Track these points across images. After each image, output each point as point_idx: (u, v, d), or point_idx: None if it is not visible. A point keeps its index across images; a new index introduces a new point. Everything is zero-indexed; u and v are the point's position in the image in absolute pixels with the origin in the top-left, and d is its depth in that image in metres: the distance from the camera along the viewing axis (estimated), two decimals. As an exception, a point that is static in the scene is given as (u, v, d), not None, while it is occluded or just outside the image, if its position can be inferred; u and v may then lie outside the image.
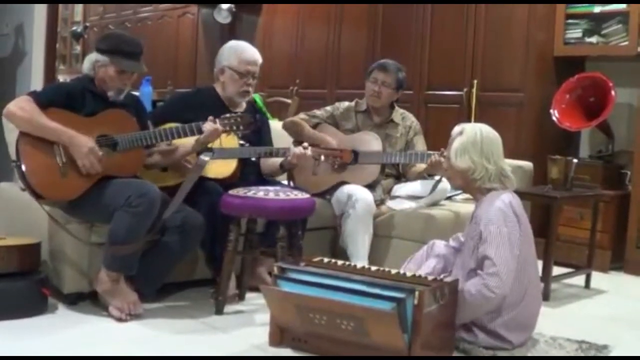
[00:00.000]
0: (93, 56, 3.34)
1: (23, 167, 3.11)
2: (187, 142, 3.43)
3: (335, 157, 3.81)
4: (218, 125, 3.33)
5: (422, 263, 3.19)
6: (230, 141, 3.50)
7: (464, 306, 2.83)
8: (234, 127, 3.38)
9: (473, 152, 2.96)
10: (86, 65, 3.37)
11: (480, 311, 2.86)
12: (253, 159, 3.71)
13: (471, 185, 3.03)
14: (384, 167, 4.13)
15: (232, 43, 3.85)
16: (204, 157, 3.30)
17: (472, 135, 2.99)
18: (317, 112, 4.24)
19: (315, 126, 4.16)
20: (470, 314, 2.87)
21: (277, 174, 3.86)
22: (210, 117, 3.35)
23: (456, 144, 3.00)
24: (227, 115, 3.40)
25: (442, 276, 2.93)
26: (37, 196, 3.14)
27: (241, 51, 3.74)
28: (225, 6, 8.01)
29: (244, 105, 3.81)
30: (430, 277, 2.84)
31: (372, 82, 4.10)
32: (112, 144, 3.23)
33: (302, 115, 4.22)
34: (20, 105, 3.15)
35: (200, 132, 3.33)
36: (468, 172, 2.98)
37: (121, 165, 3.26)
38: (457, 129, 3.08)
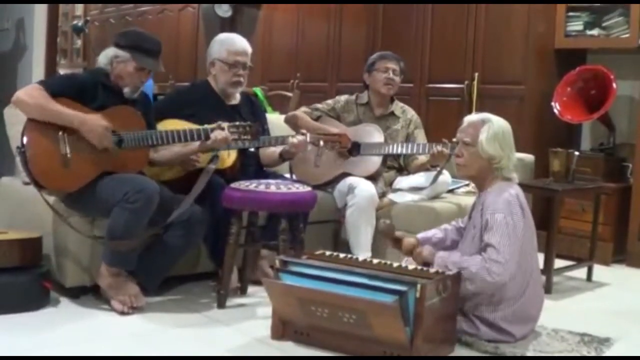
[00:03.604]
0: (111, 51, 3.33)
1: (27, 154, 3.11)
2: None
3: (334, 142, 3.80)
4: (227, 134, 3.32)
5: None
6: None
7: (462, 281, 2.84)
8: (242, 137, 3.37)
9: (502, 141, 2.99)
10: (102, 60, 3.35)
11: (476, 289, 2.87)
12: (252, 149, 3.72)
13: (489, 173, 3.02)
14: (386, 159, 4.14)
15: (222, 36, 3.84)
16: (212, 165, 3.32)
17: (501, 125, 3.01)
18: (319, 105, 4.25)
19: (317, 119, 4.17)
20: (465, 290, 2.88)
21: (277, 164, 3.86)
22: (220, 124, 3.33)
23: (488, 130, 2.98)
24: (237, 123, 3.39)
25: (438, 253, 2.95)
26: (38, 185, 3.14)
27: (230, 43, 3.73)
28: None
29: (238, 96, 3.80)
30: (432, 270, 2.85)
31: (382, 71, 4.12)
32: (118, 140, 3.22)
33: (303, 109, 4.22)
34: (30, 93, 3.15)
35: (207, 137, 3.32)
36: (494, 159, 2.98)
37: (124, 162, 3.25)
38: (476, 117, 3.06)
